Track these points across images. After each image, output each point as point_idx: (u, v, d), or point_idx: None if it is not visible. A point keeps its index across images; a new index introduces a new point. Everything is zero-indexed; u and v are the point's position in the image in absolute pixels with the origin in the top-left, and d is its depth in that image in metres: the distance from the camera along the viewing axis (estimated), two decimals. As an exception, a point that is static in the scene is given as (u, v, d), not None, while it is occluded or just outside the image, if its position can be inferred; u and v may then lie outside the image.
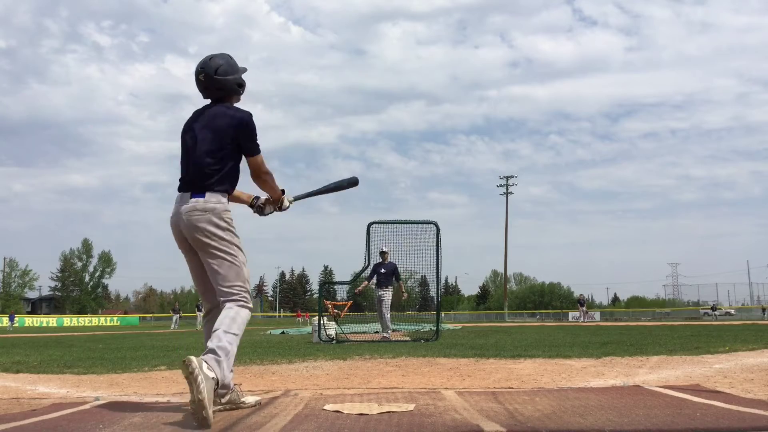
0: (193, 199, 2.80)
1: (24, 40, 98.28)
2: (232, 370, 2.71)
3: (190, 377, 2.39)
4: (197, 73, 2.96)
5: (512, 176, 57.59)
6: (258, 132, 2.95)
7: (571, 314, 50.63)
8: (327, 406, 2.87)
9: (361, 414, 2.66)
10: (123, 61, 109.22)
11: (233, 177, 2.92)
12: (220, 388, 2.59)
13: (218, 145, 2.85)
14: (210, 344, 2.61)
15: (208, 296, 2.96)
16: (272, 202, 3.17)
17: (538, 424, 2.37)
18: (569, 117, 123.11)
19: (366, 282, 10.49)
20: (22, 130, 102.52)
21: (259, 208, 3.20)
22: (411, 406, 2.83)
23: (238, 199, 3.16)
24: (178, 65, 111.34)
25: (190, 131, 2.94)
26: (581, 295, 46.93)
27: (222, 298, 2.81)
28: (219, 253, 2.80)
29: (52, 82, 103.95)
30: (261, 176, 3.00)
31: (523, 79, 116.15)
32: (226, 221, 2.83)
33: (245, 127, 2.89)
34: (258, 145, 2.93)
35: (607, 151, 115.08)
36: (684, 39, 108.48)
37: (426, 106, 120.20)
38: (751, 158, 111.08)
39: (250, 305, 2.85)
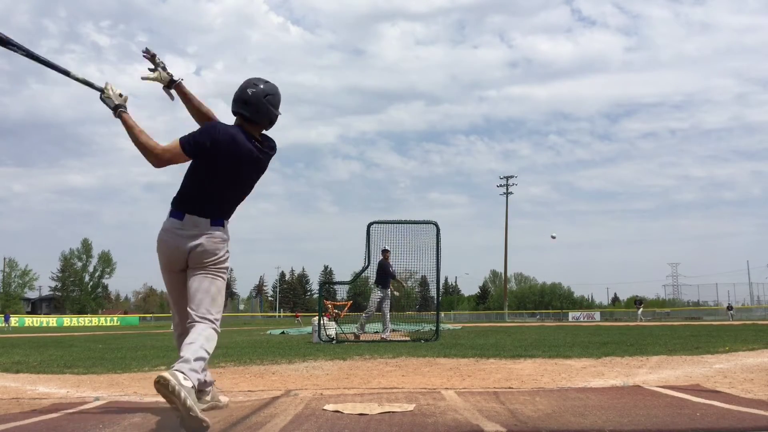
0: (215, 227, 2.84)
1: (23, 40, 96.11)
2: (205, 371, 2.65)
3: (171, 396, 2.30)
4: (247, 87, 2.90)
5: (512, 176, 57.64)
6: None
7: (572, 314, 50.61)
8: (327, 406, 2.87)
9: (361, 414, 2.67)
10: (122, 61, 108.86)
11: None
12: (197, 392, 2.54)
13: (254, 184, 2.97)
14: (183, 353, 2.53)
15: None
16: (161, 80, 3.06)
17: (539, 424, 2.38)
18: (569, 117, 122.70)
19: (401, 281, 10.54)
20: (22, 130, 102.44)
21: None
22: (411, 406, 2.83)
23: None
24: (177, 65, 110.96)
25: (240, 167, 2.86)
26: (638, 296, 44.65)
27: (197, 315, 2.74)
28: (218, 278, 2.85)
29: (52, 82, 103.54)
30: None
31: (523, 79, 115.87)
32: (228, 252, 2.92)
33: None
34: None
35: (606, 151, 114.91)
36: (683, 39, 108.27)
37: (425, 106, 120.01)
38: (751, 158, 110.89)
39: (219, 331, 2.82)
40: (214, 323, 2.76)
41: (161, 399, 3.30)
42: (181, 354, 2.53)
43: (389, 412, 2.70)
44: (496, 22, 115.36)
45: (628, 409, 2.65)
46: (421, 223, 9.92)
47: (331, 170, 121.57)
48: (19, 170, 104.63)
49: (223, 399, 3.03)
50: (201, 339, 2.63)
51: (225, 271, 2.88)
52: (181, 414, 2.30)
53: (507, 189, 56.70)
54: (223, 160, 2.79)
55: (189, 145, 2.76)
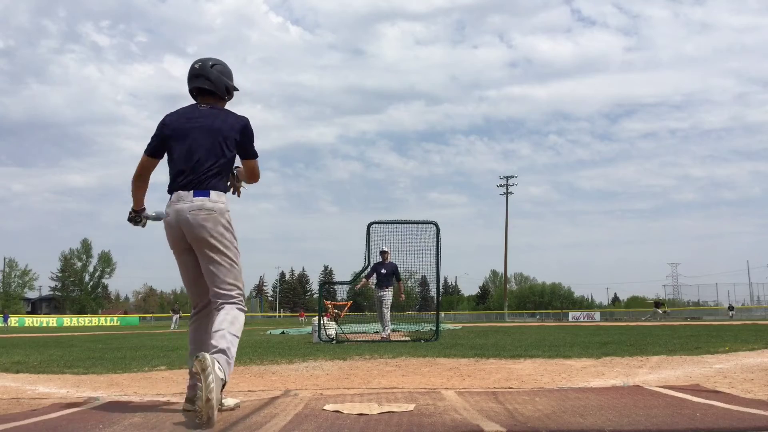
0: (198, 198, 2.81)
1: (23, 40, 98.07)
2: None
3: (203, 374, 2.37)
4: (194, 63, 3.03)
5: (512, 176, 57.69)
6: (257, 132, 3.00)
7: (572, 314, 50.60)
8: (327, 406, 2.87)
9: (361, 414, 2.66)
10: (122, 61, 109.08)
11: (228, 177, 3.00)
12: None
13: (220, 144, 2.90)
14: (218, 344, 2.59)
15: (202, 296, 2.96)
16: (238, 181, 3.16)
17: (538, 424, 2.37)
18: (568, 117, 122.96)
19: (365, 280, 10.44)
20: (22, 130, 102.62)
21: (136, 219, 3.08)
22: (411, 406, 2.83)
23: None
24: (177, 65, 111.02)
25: (188, 131, 2.92)
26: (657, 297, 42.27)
27: (219, 300, 2.81)
28: (222, 254, 2.83)
29: (52, 82, 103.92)
30: (255, 179, 3.13)
31: (523, 79, 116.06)
32: (229, 221, 2.89)
33: (248, 129, 3.00)
34: (256, 150, 3.05)
35: (606, 151, 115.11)
36: (683, 39, 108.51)
37: (425, 106, 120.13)
38: (750, 158, 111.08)
39: (245, 309, 2.89)
40: (236, 302, 2.81)
41: (161, 399, 3.32)
42: (214, 343, 2.60)
43: (389, 412, 2.70)
44: (496, 22, 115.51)
45: (628, 409, 2.65)
46: (421, 223, 9.91)
47: (331, 170, 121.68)
48: (19, 170, 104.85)
49: (230, 401, 2.94)
50: (225, 324, 2.69)
51: (226, 247, 2.82)
52: (200, 396, 2.35)
53: (507, 189, 56.81)
54: (173, 131, 2.91)
55: (148, 147, 2.96)
